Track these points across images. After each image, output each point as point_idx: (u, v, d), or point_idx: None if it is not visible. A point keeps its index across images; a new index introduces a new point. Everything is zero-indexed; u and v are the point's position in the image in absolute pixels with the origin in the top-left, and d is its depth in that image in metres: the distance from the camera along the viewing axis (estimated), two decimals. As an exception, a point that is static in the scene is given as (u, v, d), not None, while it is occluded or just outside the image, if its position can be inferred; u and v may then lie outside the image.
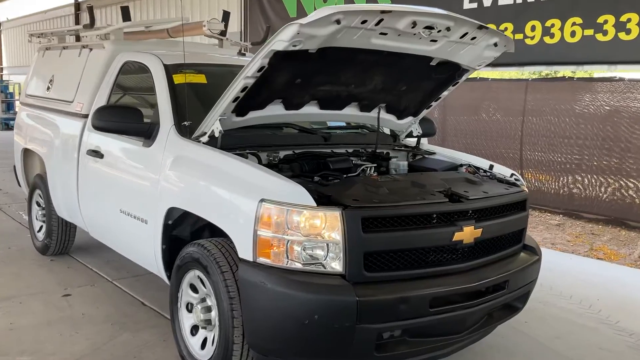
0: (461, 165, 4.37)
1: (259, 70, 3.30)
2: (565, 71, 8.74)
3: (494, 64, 7.93)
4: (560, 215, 8.87)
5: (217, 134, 3.60)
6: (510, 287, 3.51)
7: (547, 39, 6.73)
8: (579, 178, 8.54)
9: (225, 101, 3.48)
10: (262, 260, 2.99)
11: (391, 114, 4.58)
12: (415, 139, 4.78)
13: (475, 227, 3.31)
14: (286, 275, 2.93)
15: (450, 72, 4.16)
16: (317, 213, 2.94)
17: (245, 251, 3.06)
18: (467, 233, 3.27)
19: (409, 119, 4.66)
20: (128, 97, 4.92)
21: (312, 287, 2.89)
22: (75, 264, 5.80)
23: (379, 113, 4.41)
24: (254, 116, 3.81)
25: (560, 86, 8.92)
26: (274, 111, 3.89)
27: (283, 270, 2.95)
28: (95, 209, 4.78)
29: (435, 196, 3.29)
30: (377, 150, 4.45)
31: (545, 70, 9.64)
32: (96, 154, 4.63)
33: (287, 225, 2.94)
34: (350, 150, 4.34)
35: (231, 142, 3.74)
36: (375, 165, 4.10)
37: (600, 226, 8.37)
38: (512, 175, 4.12)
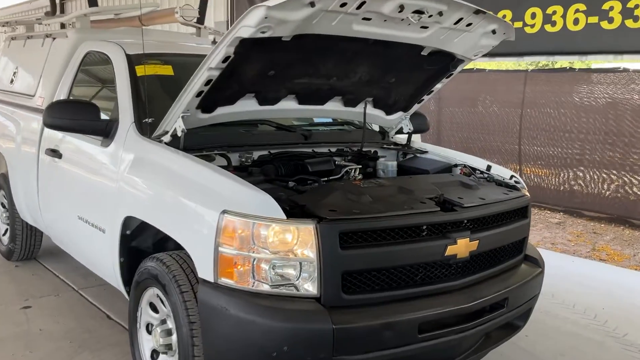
0: (456, 166, 3.97)
1: (224, 61, 2.88)
2: (564, 61, 8.33)
3: (491, 54, 7.49)
4: (561, 213, 8.49)
5: (179, 133, 3.18)
6: (510, 305, 3.11)
7: (548, 27, 6.32)
8: (581, 174, 8.15)
9: (188, 96, 3.06)
10: (224, 281, 2.58)
11: (379, 109, 4.16)
12: (406, 136, 4.36)
13: (471, 239, 2.92)
14: (251, 300, 2.52)
15: (444, 62, 3.75)
16: (287, 227, 2.53)
17: (205, 270, 2.65)
18: (462, 246, 2.87)
19: (399, 114, 4.25)
20: (90, 91, 4.49)
21: (281, 313, 2.49)
22: (41, 271, 5.39)
23: (365, 108, 4.00)
24: (223, 112, 3.39)
25: (561, 77, 8.51)
26: (247, 107, 3.47)
27: (248, 294, 2.54)
28: (55, 214, 4.37)
29: (426, 204, 2.89)
30: (364, 149, 4.05)
31: (544, 61, 9.22)
32: (55, 153, 4.21)
33: (253, 241, 2.53)
34: (333, 150, 3.93)
35: (197, 142, 3.33)
36: (361, 166, 3.70)
37: (602, 225, 7.99)
38: (511, 177, 3.72)
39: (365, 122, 4.04)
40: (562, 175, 8.45)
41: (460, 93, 9.59)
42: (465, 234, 2.90)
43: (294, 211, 2.60)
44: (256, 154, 3.56)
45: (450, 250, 2.83)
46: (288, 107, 3.66)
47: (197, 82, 2.98)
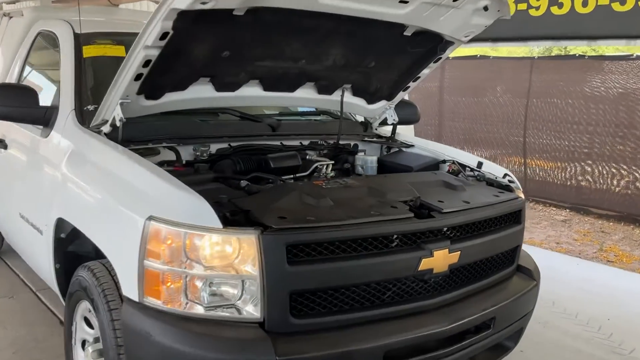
0: (444, 162, 3.52)
1: (161, 38, 2.45)
2: (574, 48, 7.82)
3: (494, 39, 6.98)
4: (567, 210, 8.00)
5: (117, 123, 2.76)
6: (498, 325, 2.69)
7: (554, 10, 5.84)
8: (589, 169, 7.66)
9: (124, 79, 2.63)
10: (150, 300, 2.17)
11: (359, 98, 3.72)
12: (391, 127, 3.91)
13: (451, 249, 2.49)
14: (180, 325, 2.11)
15: (430, 45, 3.29)
16: (225, 237, 2.11)
17: (129, 287, 2.24)
18: (440, 259, 2.44)
19: (382, 103, 3.80)
20: (42, 75, 4.07)
21: (215, 342, 2.08)
22: (3, 268, 5.01)
23: (342, 96, 3.56)
24: (173, 99, 2.96)
25: (569, 65, 8.00)
26: (201, 93, 3.04)
27: (177, 317, 2.13)
28: (2, 211, 3.97)
29: (397, 209, 2.45)
30: (341, 143, 3.61)
31: (552, 46, 8.70)
32: (1, 144, 3.80)
33: (185, 254, 2.12)
34: (306, 143, 3.50)
35: (142, 133, 2.92)
36: (333, 162, 3.26)
37: (611, 223, 7.51)
38: (505, 175, 3.27)
39: (343, 111, 3.59)
40: (569, 169, 7.96)
41: (462, 82, 9.11)
42: (443, 245, 2.47)
43: (235, 218, 2.18)
44: (214, 147, 3.14)
45: (425, 263, 2.40)
46: (251, 94, 3.23)
47: (133, 64, 2.56)
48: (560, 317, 4.44)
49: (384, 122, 3.93)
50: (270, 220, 2.14)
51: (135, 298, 2.20)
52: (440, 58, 3.43)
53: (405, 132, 5.61)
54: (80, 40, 3.42)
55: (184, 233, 2.11)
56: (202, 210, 2.12)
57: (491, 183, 3.21)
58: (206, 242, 2.10)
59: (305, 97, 3.45)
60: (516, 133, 8.69)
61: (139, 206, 2.23)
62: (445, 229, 2.51)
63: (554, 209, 8.14)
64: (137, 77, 2.63)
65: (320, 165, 3.19)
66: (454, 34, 3.20)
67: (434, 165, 3.51)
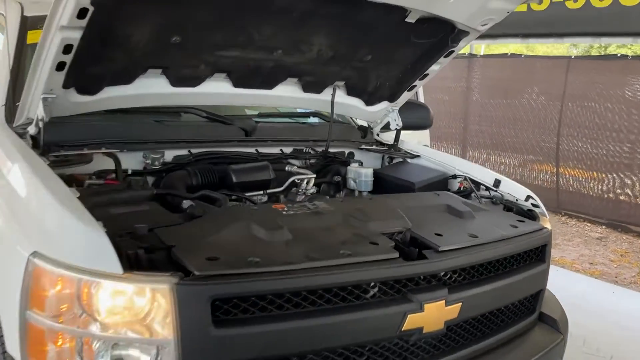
0: (454, 177, 2.91)
1: (79, 16, 1.89)
2: (614, 45, 7.06)
3: (525, 34, 6.31)
4: (603, 227, 7.24)
5: (40, 124, 2.22)
6: (510, 397, 2.08)
7: (595, 2, 5.13)
8: (629, 181, 6.89)
9: (43, 70, 2.09)
10: (33, 365, 1.62)
11: (355, 98, 3.12)
12: (395, 133, 3.31)
13: (449, 301, 1.89)
14: (66, 404, 1.55)
15: (439, 34, 2.69)
16: (128, 287, 1.54)
17: (12, 343, 1.69)
18: (432, 314, 1.85)
19: (383, 104, 3.20)
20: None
21: None
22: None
23: (333, 95, 2.97)
24: (115, 95, 2.42)
25: (609, 66, 7.22)
26: (152, 88, 2.50)
27: (63, 392, 1.57)
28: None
29: (378, 247, 1.86)
30: (332, 151, 3.03)
31: (591, 43, 7.94)
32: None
33: (80, 306, 1.56)
34: (288, 151, 2.92)
35: (76, 135, 2.40)
36: (314, 175, 2.68)
37: (652, 243, 6.75)
38: (527, 198, 2.64)
39: (333, 113, 3.00)
40: (606, 181, 7.20)
41: (491, 82, 8.40)
42: (438, 295, 1.87)
43: (151, 258, 1.62)
44: (170, 154, 2.59)
45: (413, 321, 1.81)
46: (217, 91, 2.66)
47: (49, 50, 2.01)
48: (591, 359, 3.78)
49: (386, 127, 3.33)
50: (194, 263, 1.57)
51: (17, 358, 1.65)
52: (452, 51, 2.82)
53: (421, 138, 5.03)
54: (27, 24, 2.90)
55: (77, 279, 1.55)
56: (99, 248, 1.56)
57: (510, 207, 2.60)
58: (105, 292, 1.54)
59: (287, 95, 2.87)
60: (548, 139, 7.95)
61: (25, 238, 1.68)
62: (441, 275, 1.91)
63: (589, 224, 7.39)
64: (59, 66, 2.08)
65: (299, 179, 2.62)
66: (468, 21, 2.58)
67: (442, 181, 2.91)
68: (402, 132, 3.40)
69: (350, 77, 2.94)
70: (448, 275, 1.95)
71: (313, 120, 3.27)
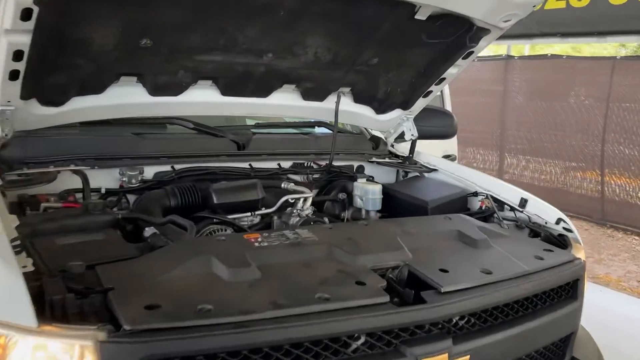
0: (476, 195, 2.56)
1: (24, 18, 1.64)
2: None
3: (563, 34, 5.84)
4: (653, 240, 6.70)
5: (-2, 139, 2.00)
6: None
7: (642, -3, 4.69)
8: (682, 191, 6.34)
9: (-7, 79, 1.85)
10: None
11: (364, 105, 2.81)
12: (409, 145, 2.97)
13: (453, 354, 1.55)
14: None
15: (455, 33, 2.35)
16: (49, 343, 1.27)
17: None
18: (432, 372, 1.51)
19: (396, 112, 2.87)
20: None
21: None
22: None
23: (337, 103, 2.66)
24: (85, 106, 2.17)
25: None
26: (127, 97, 2.24)
27: None
28: None
29: (365, 287, 1.54)
30: (339, 164, 2.73)
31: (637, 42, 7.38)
32: None
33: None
34: (287, 165, 2.63)
35: (43, 151, 2.16)
36: (311, 194, 2.37)
37: None
38: (559, 221, 2.27)
39: (337, 122, 2.69)
40: (656, 190, 6.65)
41: (530, 85, 7.92)
42: (439, 347, 1.54)
43: (85, 304, 1.35)
44: (151, 171, 2.33)
45: (406, 381, 1.48)
46: (203, 100, 2.39)
47: (-4, 57, 1.77)
48: (638, 398, 3.35)
49: (401, 138, 3.00)
50: (128, 313, 1.28)
51: None
52: (472, 52, 2.47)
53: (448, 147, 4.66)
54: None
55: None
56: (13, 294, 1.29)
57: (537, 232, 2.23)
58: (19, 348, 1.27)
59: (285, 104, 2.58)
60: (592, 144, 7.43)
61: None
62: (442, 322, 1.58)
63: (637, 238, 6.84)
64: (12, 75, 1.84)
65: (293, 199, 2.32)
66: (487, 17, 2.24)
67: (460, 199, 2.56)
68: (424, 141, 3.08)
69: (356, 82, 2.63)
70: (453, 322, 1.61)
71: (319, 130, 2.96)
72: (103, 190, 2.24)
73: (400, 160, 2.94)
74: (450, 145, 4.34)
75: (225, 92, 2.39)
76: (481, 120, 8.35)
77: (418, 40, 2.37)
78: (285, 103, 2.57)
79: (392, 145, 3.06)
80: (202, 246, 1.65)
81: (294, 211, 2.31)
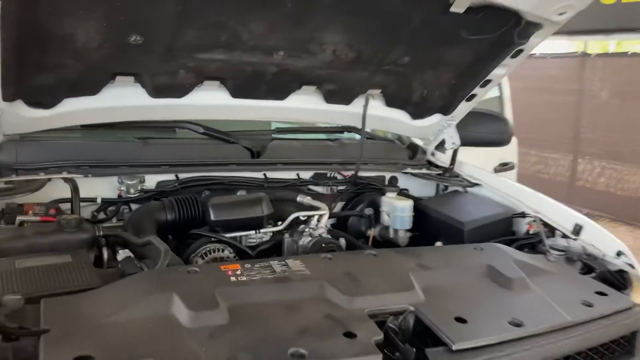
0: (522, 216, 2.21)
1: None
2: None
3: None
4: None
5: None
6: None
7: None
8: None
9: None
10: None
11: (397, 109, 2.50)
12: (450, 154, 2.64)
13: None
14: None
15: (500, 27, 2.00)
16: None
17: None
18: None
19: (435, 118, 2.54)
20: None
21: None
22: None
23: (365, 106, 2.37)
24: (79, 108, 1.99)
25: None
26: (126, 99, 2.04)
27: None
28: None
29: (353, 342, 1.26)
30: (368, 175, 2.45)
31: None
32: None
33: None
34: (307, 176, 2.38)
35: (35, 156, 2.02)
36: (326, 211, 2.10)
37: None
38: (619, 254, 1.89)
39: (365, 128, 2.40)
40: None
41: (608, 84, 7.25)
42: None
43: (17, 348, 1.14)
44: (154, 179, 2.13)
45: None
46: (211, 102, 2.16)
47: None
48: None
49: (440, 146, 2.67)
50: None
51: None
52: (521, 50, 2.11)
53: (505, 154, 4.22)
54: None
55: None
56: None
57: (591, 267, 1.87)
58: None
59: (305, 107, 2.31)
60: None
61: None
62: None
63: None
64: (-12, 73, 1.68)
65: (306, 216, 2.05)
66: (537, 9, 1.88)
67: (504, 221, 2.23)
68: (477, 148, 2.75)
69: (387, 84, 2.32)
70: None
71: (348, 136, 2.67)
72: (99, 200, 2.06)
73: (439, 172, 2.61)
74: (508, 151, 3.92)
75: (235, 94, 2.15)
76: (552, 121, 7.74)
77: (456, 36, 2.03)
78: (305, 106, 2.31)
79: (433, 154, 2.74)
80: (168, 280, 1.41)
81: (306, 230, 2.04)
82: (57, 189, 1.98)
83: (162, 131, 2.30)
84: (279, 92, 2.21)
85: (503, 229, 2.20)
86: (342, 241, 2.08)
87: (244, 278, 1.42)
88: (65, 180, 1.96)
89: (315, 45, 1.98)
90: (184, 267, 1.46)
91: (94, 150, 2.11)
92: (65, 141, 2.11)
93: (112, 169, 2.06)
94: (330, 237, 2.04)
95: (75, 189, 1.94)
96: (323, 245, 1.97)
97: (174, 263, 1.62)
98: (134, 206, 2.11)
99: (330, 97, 2.30)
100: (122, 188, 2.09)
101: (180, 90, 2.06)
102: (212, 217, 1.90)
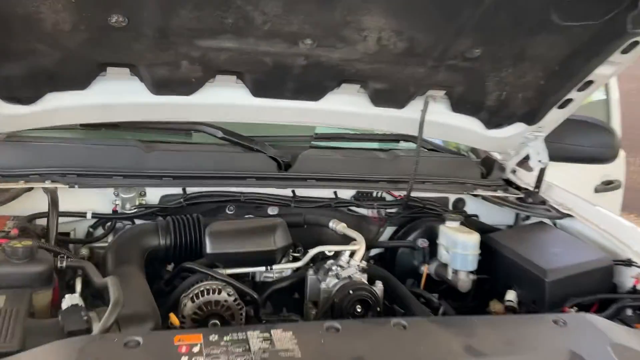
0: (628, 264, 1.65)
1: None
2: None
3: None
4: None
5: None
6: None
7: None
8: None
9: None
10: None
11: (467, 115, 1.97)
12: (537, 173, 2.09)
13: None
14: None
15: (608, 12, 1.45)
16: None
17: None
18: None
19: (517, 127, 2.00)
20: None
21: None
22: None
23: (424, 111, 1.87)
24: (66, 105, 1.65)
25: None
26: (121, 95, 1.68)
27: None
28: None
29: None
30: (425, 196, 1.97)
31: None
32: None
33: None
34: (347, 195, 1.93)
35: (16, 160, 1.70)
36: (362, 246, 1.64)
37: None
38: None
39: (421, 136, 1.89)
40: None
41: None
42: None
43: None
44: (157, 193, 1.77)
45: None
46: (227, 102, 1.75)
47: None
48: None
49: (524, 164, 2.12)
50: None
51: None
52: (637, 43, 1.55)
53: (610, 170, 3.50)
54: None
55: None
56: None
57: None
58: None
59: (345, 110, 1.85)
60: None
61: None
62: None
63: None
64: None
65: (330, 251, 1.61)
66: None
67: (602, 270, 1.66)
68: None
69: (453, 83, 1.81)
70: None
71: (405, 146, 2.18)
72: (89, 216, 1.72)
73: (519, 195, 2.07)
74: (614, 167, 3.24)
75: (257, 92, 1.73)
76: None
77: (545, 21, 1.51)
78: (346, 109, 1.85)
79: (514, 172, 2.19)
80: (91, 356, 1.01)
81: (333, 268, 1.59)
82: (43, 199, 1.66)
83: (171, 134, 1.92)
84: (312, 91, 1.77)
85: (599, 281, 1.65)
86: (380, 286, 1.61)
87: (216, 352, 0.99)
88: (45, 190, 1.63)
89: (352, 32, 1.51)
90: (121, 336, 1.06)
91: (87, 155, 1.77)
92: (54, 143, 1.78)
93: (103, 179, 1.71)
94: (362, 280, 1.58)
95: (53, 202, 1.61)
96: (350, 292, 1.52)
97: (140, 314, 1.24)
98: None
99: (379, 99, 1.83)
100: (116, 202, 1.74)
101: (186, 85, 1.67)
102: (208, 249, 1.50)
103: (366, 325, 1.18)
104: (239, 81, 1.71)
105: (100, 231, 1.77)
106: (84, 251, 1.70)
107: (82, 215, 1.72)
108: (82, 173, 1.70)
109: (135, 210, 1.74)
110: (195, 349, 1.01)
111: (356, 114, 1.86)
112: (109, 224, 1.76)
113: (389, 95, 1.82)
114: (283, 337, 1.07)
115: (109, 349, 1.00)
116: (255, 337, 1.06)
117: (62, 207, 1.69)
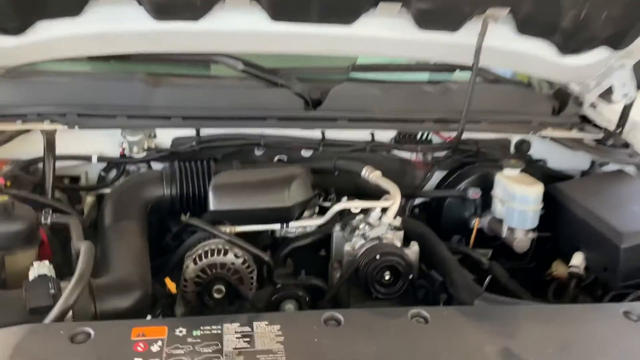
0: None
1: None
2: None
3: None
4: None
5: None
6: None
7: None
8: None
9: None
10: None
11: (537, 37, 1.61)
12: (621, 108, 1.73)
13: None
14: None
15: None
16: None
17: None
18: None
19: (600, 52, 1.63)
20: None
21: None
22: None
23: (482, 34, 1.52)
24: (59, 34, 1.45)
25: None
26: (119, 22, 1.45)
27: None
28: None
29: None
30: (479, 138, 1.68)
31: None
32: None
33: None
34: (386, 137, 1.67)
35: (11, 98, 1.55)
36: (393, 201, 1.39)
37: None
38: None
39: (477, 66, 1.56)
40: None
41: None
42: None
43: None
44: (169, 134, 1.58)
45: None
46: (242, 27, 1.49)
47: None
48: None
49: (607, 96, 1.75)
50: None
51: None
52: None
53: None
54: None
55: None
56: None
57: None
58: None
59: (385, 36, 1.54)
60: None
61: None
62: None
63: None
64: None
65: (356, 208, 1.37)
66: None
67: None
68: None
69: (518, 0, 1.46)
70: None
71: (460, 77, 1.85)
72: (94, 160, 1.56)
73: (597, 137, 1.72)
74: None
75: (275, 15, 1.45)
76: None
77: None
78: (385, 35, 1.54)
79: (594, 106, 1.82)
80: (29, 350, 0.83)
81: (361, 226, 1.36)
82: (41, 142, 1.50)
83: (186, 67, 1.69)
84: (343, 12, 1.46)
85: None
86: (415, 248, 1.37)
87: (159, 360, 0.80)
88: (42, 132, 1.47)
89: None
90: (70, 327, 0.87)
91: (89, 91, 1.58)
92: (52, 79, 1.60)
93: (106, 119, 1.52)
94: (394, 242, 1.34)
95: (49, 146, 1.44)
96: (377, 257, 1.29)
97: (125, 282, 1.08)
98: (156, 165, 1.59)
99: (425, 21, 1.50)
100: (124, 145, 1.56)
101: (191, 9, 1.42)
102: (211, 206, 1.29)
103: (376, 317, 0.93)
104: (254, 2, 1.43)
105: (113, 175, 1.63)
106: (89, 199, 1.56)
107: (87, 158, 1.56)
108: (83, 113, 1.52)
109: (145, 154, 1.56)
110: (154, 348, 0.82)
111: (397, 40, 1.55)
112: (114, 169, 1.61)
113: (438, 15, 1.49)
114: (267, 332, 0.86)
115: (50, 344, 0.83)
116: (232, 333, 0.85)
117: (67, 149, 1.54)
